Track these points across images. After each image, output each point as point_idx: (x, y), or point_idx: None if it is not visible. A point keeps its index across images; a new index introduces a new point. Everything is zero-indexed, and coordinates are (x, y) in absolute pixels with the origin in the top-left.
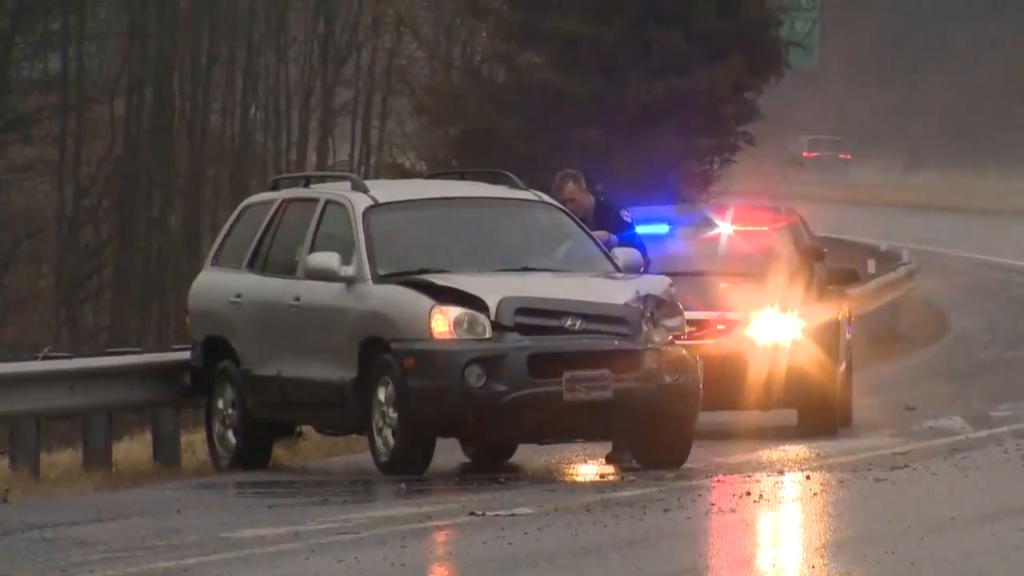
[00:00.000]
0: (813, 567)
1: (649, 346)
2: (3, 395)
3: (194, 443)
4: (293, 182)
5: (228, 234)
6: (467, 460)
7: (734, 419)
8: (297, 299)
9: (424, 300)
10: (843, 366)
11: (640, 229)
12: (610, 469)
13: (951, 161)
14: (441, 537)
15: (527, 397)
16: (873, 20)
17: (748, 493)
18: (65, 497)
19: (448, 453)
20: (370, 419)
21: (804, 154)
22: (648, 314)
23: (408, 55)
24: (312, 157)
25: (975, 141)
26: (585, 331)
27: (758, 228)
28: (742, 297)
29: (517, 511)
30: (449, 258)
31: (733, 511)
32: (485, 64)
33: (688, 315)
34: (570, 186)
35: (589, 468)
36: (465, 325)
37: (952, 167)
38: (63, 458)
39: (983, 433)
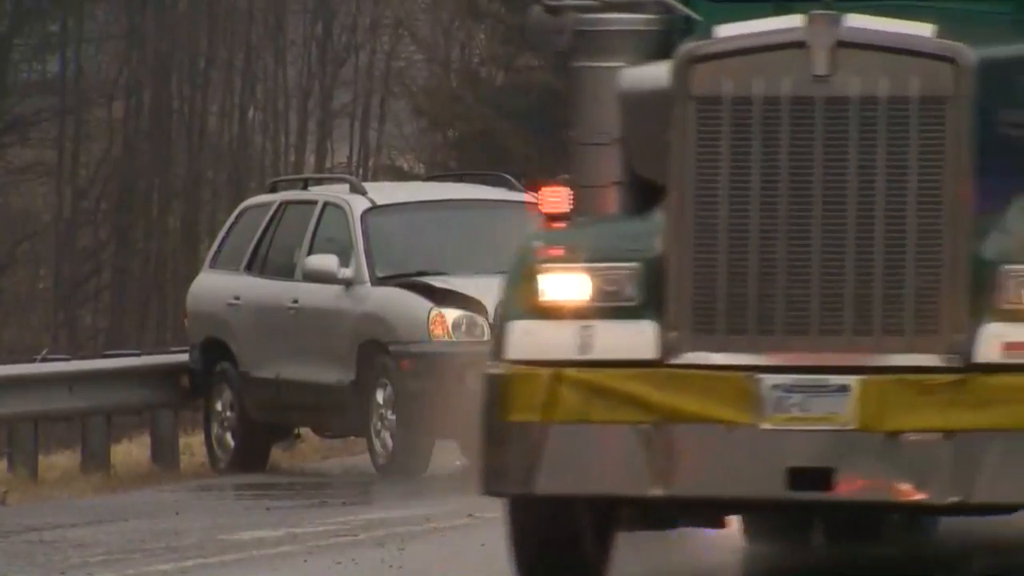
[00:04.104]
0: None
1: None
2: (2, 397)
3: (192, 445)
4: (291, 184)
5: (226, 236)
6: (466, 462)
7: None
8: (295, 301)
9: (423, 302)
10: None
11: None
12: None
13: None
14: (440, 539)
15: None
16: None
17: None
18: (63, 499)
19: (447, 455)
20: (368, 421)
21: None
22: None
23: (406, 57)
24: (310, 159)
25: None
26: None
27: None
28: None
29: None
30: (447, 260)
31: None
32: (483, 66)
33: None
34: None
35: None
36: (464, 327)
37: None
38: (61, 460)
39: None
